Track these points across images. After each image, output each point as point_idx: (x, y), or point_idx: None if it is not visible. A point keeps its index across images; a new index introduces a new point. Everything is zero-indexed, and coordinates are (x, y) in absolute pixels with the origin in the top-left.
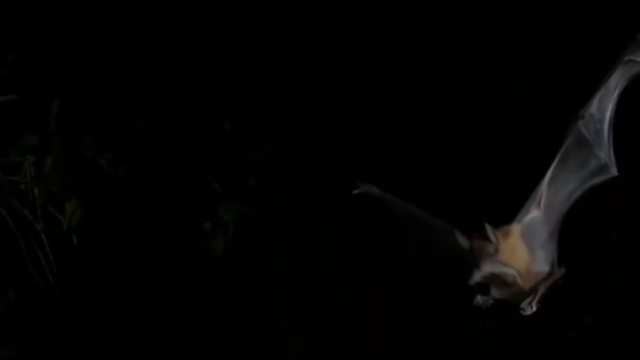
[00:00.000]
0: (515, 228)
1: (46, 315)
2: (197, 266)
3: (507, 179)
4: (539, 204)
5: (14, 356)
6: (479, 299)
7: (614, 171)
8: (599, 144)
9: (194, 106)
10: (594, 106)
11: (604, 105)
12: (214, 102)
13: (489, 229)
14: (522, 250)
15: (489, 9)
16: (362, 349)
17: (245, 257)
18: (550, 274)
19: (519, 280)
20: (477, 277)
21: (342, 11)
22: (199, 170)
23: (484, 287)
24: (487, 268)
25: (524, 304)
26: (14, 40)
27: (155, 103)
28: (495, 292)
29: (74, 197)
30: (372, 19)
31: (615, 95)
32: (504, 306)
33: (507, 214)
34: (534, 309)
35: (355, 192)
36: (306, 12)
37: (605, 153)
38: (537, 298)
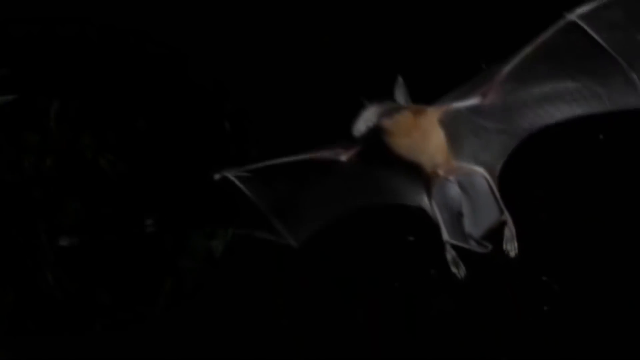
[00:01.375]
0: (433, 111)
1: (46, 315)
2: (197, 266)
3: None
4: (484, 93)
5: (14, 357)
6: (450, 256)
7: None
8: (633, 60)
9: (194, 106)
10: (615, 13)
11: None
12: (214, 102)
13: (399, 82)
14: (437, 135)
15: None
16: (362, 349)
17: (245, 257)
18: (485, 179)
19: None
20: (365, 118)
21: (342, 11)
22: (199, 170)
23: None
24: (381, 106)
25: (506, 246)
26: (15, 40)
27: (155, 103)
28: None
29: (74, 197)
30: (373, 19)
31: None
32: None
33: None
34: (516, 250)
35: (216, 177)
36: (306, 12)
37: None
38: (514, 238)
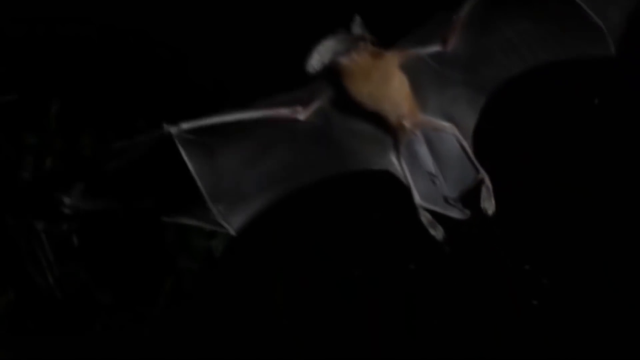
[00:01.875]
0: (392, 55)
1: (46, 315)
2: (197, 266)
3: None
4: (445, 39)
5: (14, 357)
6: (425, 219)
7: (611, 49)
8: (598, 7)
9: (194, 106)
10: None
11: None
12: (214, 102)
13: (357, 21)
14: (399, 79)
15: None
16: (362, 349)
17: (245, 257)
18: (455, 135)
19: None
20: (321, 53)
21: (342, 11)
22: None
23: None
24: (337, 39)
25: (484, 204)
26: (15, 40)
27: (155, 103)
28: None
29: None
30: (373, 19)
31: None
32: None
33: None
34: (494, 208)
35: (165, 129)
36: (306, 12)
37: (609, 21)
38: (491, 196)
